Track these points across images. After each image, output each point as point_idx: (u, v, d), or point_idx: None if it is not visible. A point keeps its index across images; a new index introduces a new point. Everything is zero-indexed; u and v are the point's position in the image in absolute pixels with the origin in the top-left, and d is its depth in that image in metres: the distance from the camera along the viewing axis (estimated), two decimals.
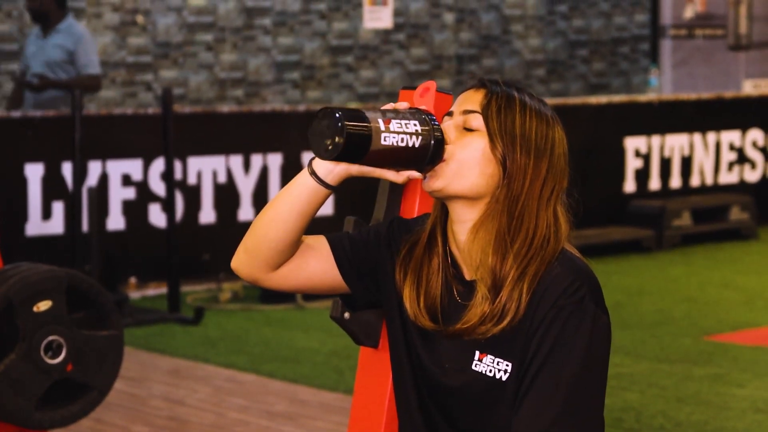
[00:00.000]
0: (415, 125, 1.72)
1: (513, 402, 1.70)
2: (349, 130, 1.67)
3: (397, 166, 1.74)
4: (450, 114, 1.79)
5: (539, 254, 1.70)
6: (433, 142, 1.72)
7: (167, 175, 6.06)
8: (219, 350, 5.25)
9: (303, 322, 5.70)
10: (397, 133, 1.70)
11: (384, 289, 1.85)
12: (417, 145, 1.71)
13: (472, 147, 1.73)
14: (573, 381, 1.66)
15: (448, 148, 1.74)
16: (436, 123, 1.74)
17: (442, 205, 1.80)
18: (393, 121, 1.71)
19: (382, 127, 1.70)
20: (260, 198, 6.73)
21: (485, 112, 1.73)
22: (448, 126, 1.77)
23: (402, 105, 1.76)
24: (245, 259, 1.87)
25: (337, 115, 1.67)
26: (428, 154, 1.72)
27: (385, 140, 1.70)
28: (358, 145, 1.69)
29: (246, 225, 6.73)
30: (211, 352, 5.22)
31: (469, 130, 1.74)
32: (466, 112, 1.75)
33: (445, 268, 1.78)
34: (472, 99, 1.76)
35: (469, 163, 1.73)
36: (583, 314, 1.68)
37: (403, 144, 1.71)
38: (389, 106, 1.76)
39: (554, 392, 1.66)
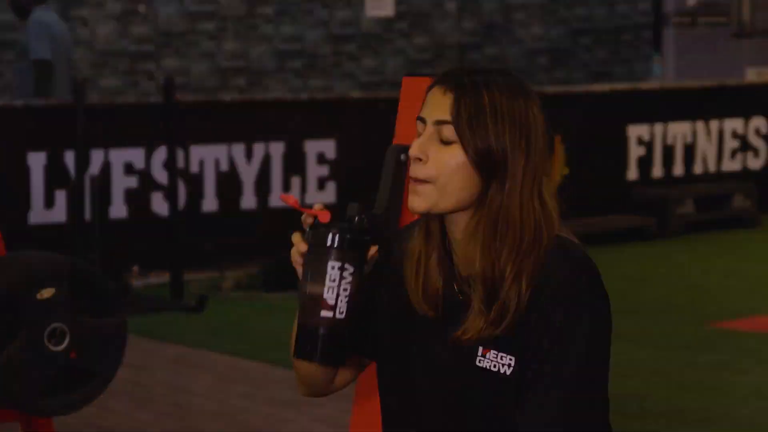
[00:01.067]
0: (333, 267, 1.65)
1: (516, 398, 1.69)
2: (326, 358, 1.71)
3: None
4: (422, 120, 1.71)
5: (533, 249, 1.67)
6: (357, 245, 1.66)
7: (169, 164, 6.08)
8: (222, 338, 5.28)
9: None
10: (338, 294, 1.65)
11: (381, 311, 1.84)
12: (353, 277, 1.66)
13: (452, 164, 1.68)
14: (575, 374, 1.66)
15: (427, 168, 1.68)
16: (334, 230, 1.65)
17: None
18: (326, 296, 1.65)
19: (329, 314, 1.66)
20: (262, 186, 6.74)
21: (456, 123, 1.67)
22: (423, 139, 1.70)
23: (302, 248, 1.70)
24: (309, 390, 1.95)
25: (312, 358, 1.71)
26: (364, 255, 1.68)
27: (341, 312, 1.66)
28: (340, 344, 1.69)
29: (248, 213, 6.73)
30: (215, 339, 5.25)
31: (444, 142, 1.69)
32: (438, 122, 1.69)
33: (444, 263, 1.75)
34: (442, 105, 1.69)
35: (452, 180, 1.68)
36: (582, 306, 1.66)
37: (350, 288, 1.66)
38: (298, 260, 1.72)
39: (556, 387, 1.65)
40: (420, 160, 1.69)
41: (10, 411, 3.61)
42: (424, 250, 1.76)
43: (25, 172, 6.13)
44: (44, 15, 6.84)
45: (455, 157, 1.67)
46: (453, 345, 1.72)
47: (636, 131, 7.91)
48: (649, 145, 7.95)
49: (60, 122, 6.17)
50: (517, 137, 1.68)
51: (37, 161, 6.17)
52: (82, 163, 5.80)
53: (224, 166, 6.68)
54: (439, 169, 1.68)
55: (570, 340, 1.65)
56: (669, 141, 8.02)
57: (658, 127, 7.96)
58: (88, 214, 5.77)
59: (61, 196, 6.21)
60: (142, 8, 9.08)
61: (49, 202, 6.20)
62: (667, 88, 8.65)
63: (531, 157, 1.69)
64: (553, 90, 8.08)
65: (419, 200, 1.69)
